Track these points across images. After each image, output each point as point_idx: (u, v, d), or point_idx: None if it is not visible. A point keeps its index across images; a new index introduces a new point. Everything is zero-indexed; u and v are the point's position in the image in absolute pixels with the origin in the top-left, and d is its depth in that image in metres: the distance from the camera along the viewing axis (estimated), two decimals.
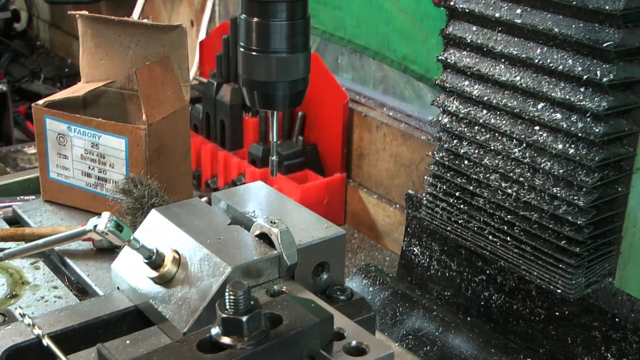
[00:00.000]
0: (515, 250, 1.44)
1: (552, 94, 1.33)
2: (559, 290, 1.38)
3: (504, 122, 1.43)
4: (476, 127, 1.49)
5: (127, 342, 0.81)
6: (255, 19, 0.90)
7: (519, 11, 1.38)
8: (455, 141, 1.53)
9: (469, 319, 1.62)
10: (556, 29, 1.31)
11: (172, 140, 1.24)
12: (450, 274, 1.68)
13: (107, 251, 1.13)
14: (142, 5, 3.34)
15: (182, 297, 0.82)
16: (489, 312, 1.60)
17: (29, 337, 0.82)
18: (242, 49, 0.93)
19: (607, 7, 1.22)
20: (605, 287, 1.41)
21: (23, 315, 0.85)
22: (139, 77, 1.19)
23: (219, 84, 2.92)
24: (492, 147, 1.45)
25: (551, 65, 1.33)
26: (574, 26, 1.30)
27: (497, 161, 1.45)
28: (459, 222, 1.54)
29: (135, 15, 3.30)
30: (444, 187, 1.56)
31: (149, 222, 0.93)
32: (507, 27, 1.41)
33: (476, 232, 1.51)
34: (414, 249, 1.78)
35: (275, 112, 0.98)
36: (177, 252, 0.87)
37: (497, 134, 1.45)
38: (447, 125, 1.54)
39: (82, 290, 1.09)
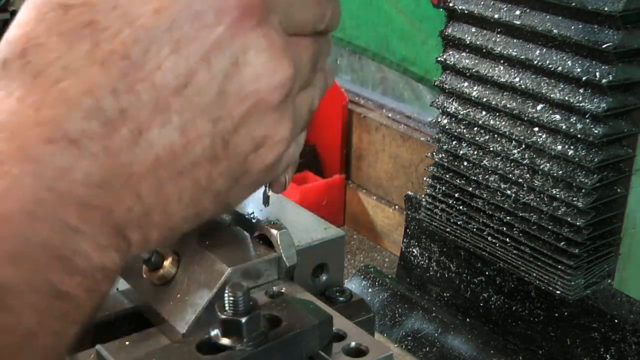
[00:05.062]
0: (515, 252, 1.44)
1: (552, 95, 1.33)
2: (558, 292, 1.38)
3: (503, 123, 1.43)
4: (475, 129, 1.49)
5: (127, 343, 0.81)
6: None
7: (518, 12, 1.38)
8: (454, 142, 1.53)
9: (468, 320, 1.62)
10: (555, 30, 1.31)
11: None
12: (449, 275, 1.68)
13: None
14: None
15: (181, 298, 0.82)
16: (488, 313, 1.60)
17: None
18: None
19: (606, 9, 1.22)
20: (604, 289, 1.41)
21: None
22: None
23: None
24: (491, 149, 1.45)
25: (550, 66, 1.33)
26: (573, 27, 1.30)
27: (496, 162, 1.45)
28: (458, 223, 1.54)
29: None
30: (443, 188, 1.56)
31: None
32: (506, 28, 1.41)
33: (475, 233, 1.51)
34: (413, 250, 1.78)
35: None
36: (176, 253, 0.87)
37: (496, 135, 1.45)
38: (447, 127, 1.54)
39: None
